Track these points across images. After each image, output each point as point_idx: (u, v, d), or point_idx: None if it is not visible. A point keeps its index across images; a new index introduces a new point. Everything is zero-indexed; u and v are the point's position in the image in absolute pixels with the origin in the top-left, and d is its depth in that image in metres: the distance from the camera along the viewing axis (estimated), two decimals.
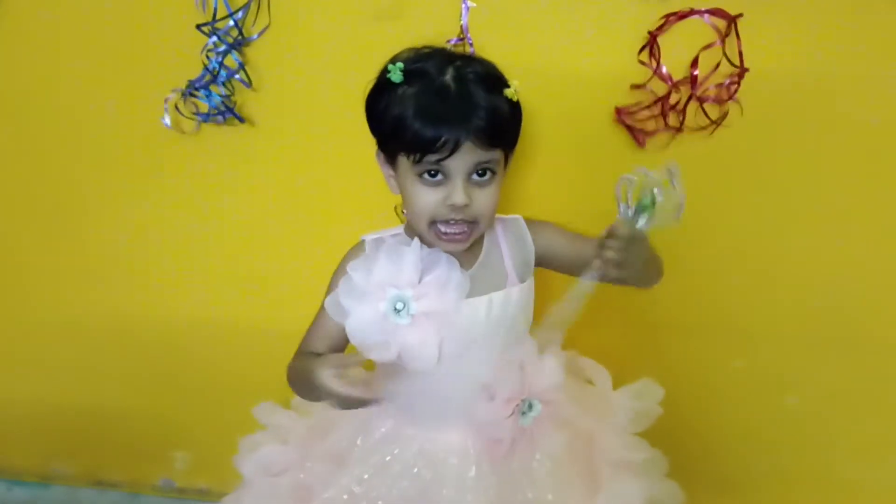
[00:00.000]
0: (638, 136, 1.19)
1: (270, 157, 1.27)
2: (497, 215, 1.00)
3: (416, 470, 0.97)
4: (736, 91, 1.14)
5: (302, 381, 0.92)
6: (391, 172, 0.94)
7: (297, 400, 1.23)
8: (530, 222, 1.03)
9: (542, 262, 1.03)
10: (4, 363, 1.52)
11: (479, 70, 0.89)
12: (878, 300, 1.29)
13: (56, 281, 1.42)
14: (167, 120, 1.23)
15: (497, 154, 0.89)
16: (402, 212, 1.01)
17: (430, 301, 0.91)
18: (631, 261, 0.83)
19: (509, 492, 0.97)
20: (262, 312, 1.39)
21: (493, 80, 0.89)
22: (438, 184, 0.88)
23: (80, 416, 1.53)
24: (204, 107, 1.22)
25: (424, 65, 0.88)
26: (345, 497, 0.98)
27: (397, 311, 0.91)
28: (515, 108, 0.91)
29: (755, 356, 1.35)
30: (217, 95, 1.20)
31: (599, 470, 1.04)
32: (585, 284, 0.86)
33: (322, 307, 0.98)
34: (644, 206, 0.80)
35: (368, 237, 1.00)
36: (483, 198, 0.89)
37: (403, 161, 0.89)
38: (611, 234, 0.83)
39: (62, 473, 1.60)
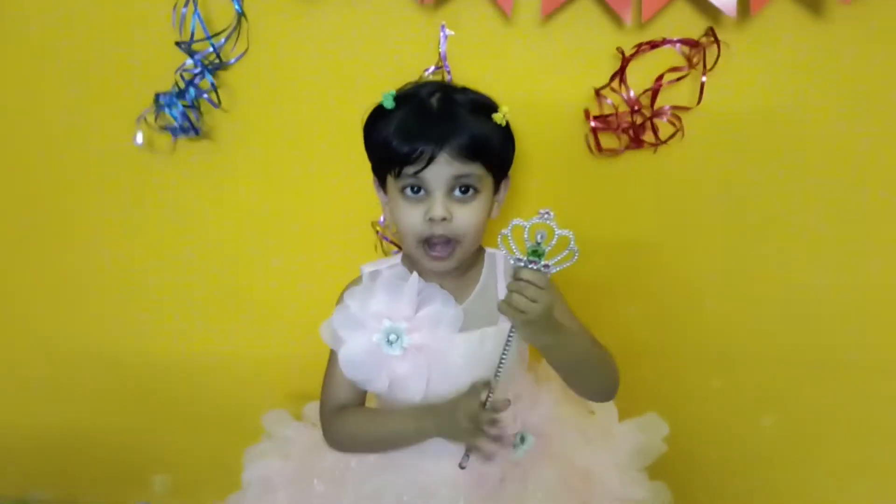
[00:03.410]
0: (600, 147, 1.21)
1: (248, 183, 1.28)
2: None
3: (405, 499, 0.97)
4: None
5: (381, 438, 0.97)
6: (385, 198, 0.96)
7: (307, 410, 1.23)
8: None
9: None
10: None
11: (468, 96, 0.92)
12: (854, 320, 1.30)
13: (33, 304, 1.41)
14: (139, 139, 1.22)
15: (477, 169, 0.89)
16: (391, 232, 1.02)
17: (423, 335, 0.92)
18: (537, 317, 0.82)
19: None
20: (242, 336, 1.39)
21: (480, 105, 0.91)
22: (420, 200, 0.89)
23: (57, 440, 1.51)
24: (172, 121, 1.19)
25: (415, 90, 0.92)
26: None
27: (390, 342, 0.92)
28: (503, 132, 0.92)
29: (732, 376, 1.36)
30: (181, 105, 1.18)
31: None
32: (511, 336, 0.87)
33: (330, 359, 0.98)
34: (536, 253, 0.81)
35: (365, 268, 1.01)
36: (464, 214, 0.89)
37: (390, 181, 0.91)
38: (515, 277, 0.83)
39: (39, 498, 1.58)
